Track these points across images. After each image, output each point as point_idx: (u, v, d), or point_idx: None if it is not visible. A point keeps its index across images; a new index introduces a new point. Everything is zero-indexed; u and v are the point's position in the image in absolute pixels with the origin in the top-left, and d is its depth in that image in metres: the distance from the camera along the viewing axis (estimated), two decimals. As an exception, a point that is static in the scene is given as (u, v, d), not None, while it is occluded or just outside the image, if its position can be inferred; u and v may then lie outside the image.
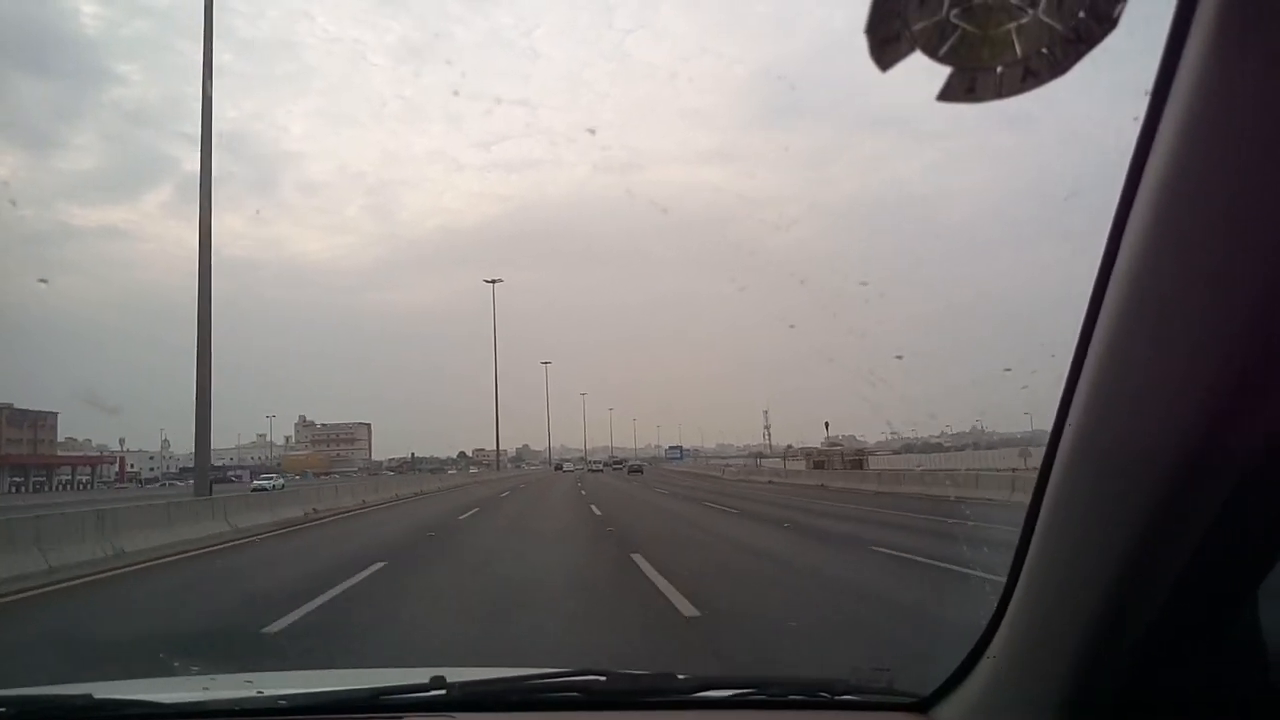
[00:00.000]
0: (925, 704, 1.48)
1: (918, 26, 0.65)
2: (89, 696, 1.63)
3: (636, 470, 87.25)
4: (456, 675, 1.63)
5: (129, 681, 2.15)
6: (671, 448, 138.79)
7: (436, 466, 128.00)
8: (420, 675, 1.62)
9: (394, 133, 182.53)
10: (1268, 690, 1.02)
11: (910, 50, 0.66)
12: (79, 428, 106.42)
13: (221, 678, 2.04)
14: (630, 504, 25.30)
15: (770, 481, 42.83)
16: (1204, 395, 0.84)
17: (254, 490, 41.59)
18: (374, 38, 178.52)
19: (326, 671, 3.59)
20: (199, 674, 2.55)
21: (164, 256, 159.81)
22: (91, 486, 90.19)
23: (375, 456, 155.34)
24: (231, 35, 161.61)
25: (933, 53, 0.66)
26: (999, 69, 0.68)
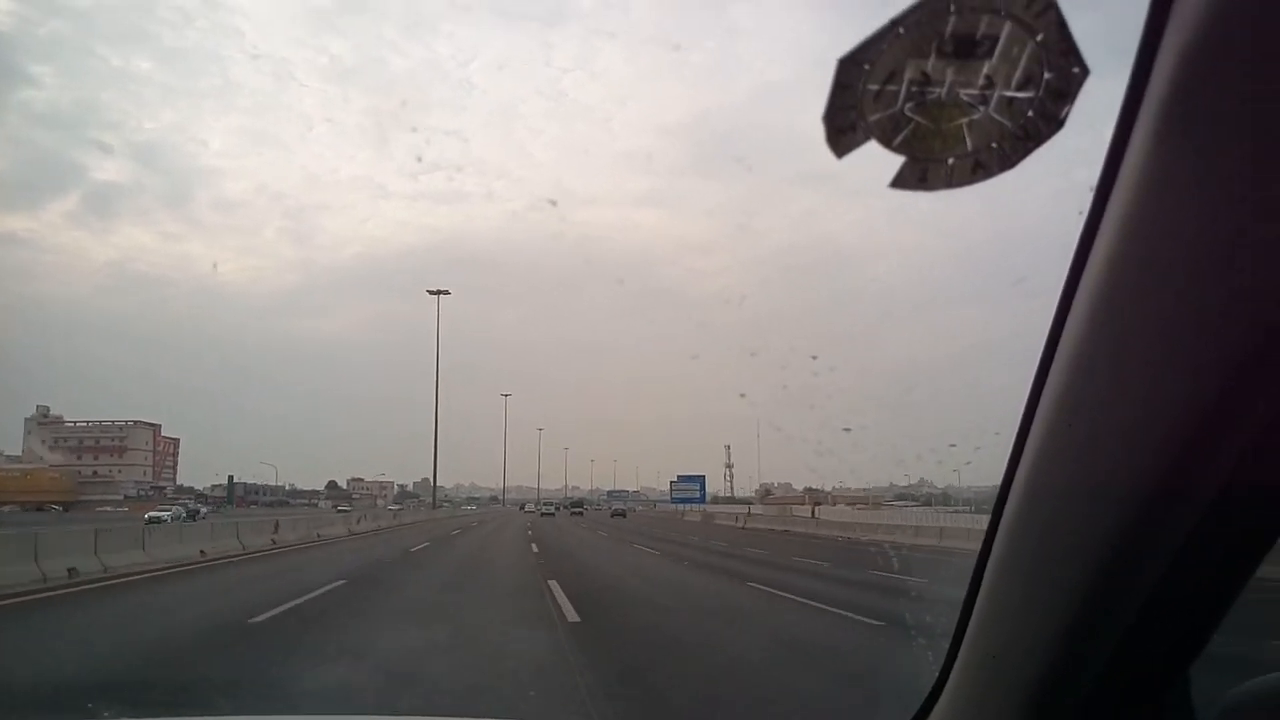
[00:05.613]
0: None
1: (873, 118, 0.67)
2: None
3: (620, 514, 68.22)
4: None
5: None
6: (684, 479, 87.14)
7: (279, 499, 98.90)
8: None
9: (319, 156, 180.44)
10: None
11: (866, 140, 0.68)
12: None
13: None
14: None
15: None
16: (1142, 469, 0.87)
17: None
18: (305, 58, 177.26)
19: (267, 718, 3.42)
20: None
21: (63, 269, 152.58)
22: None
23: (187, 481, 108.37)
24: (155, 43, 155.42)
25: (887, 143, 0.68)
26: (950, 161, 0.70)
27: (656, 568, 18.74)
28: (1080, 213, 0.83)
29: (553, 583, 13.21)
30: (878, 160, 0.72)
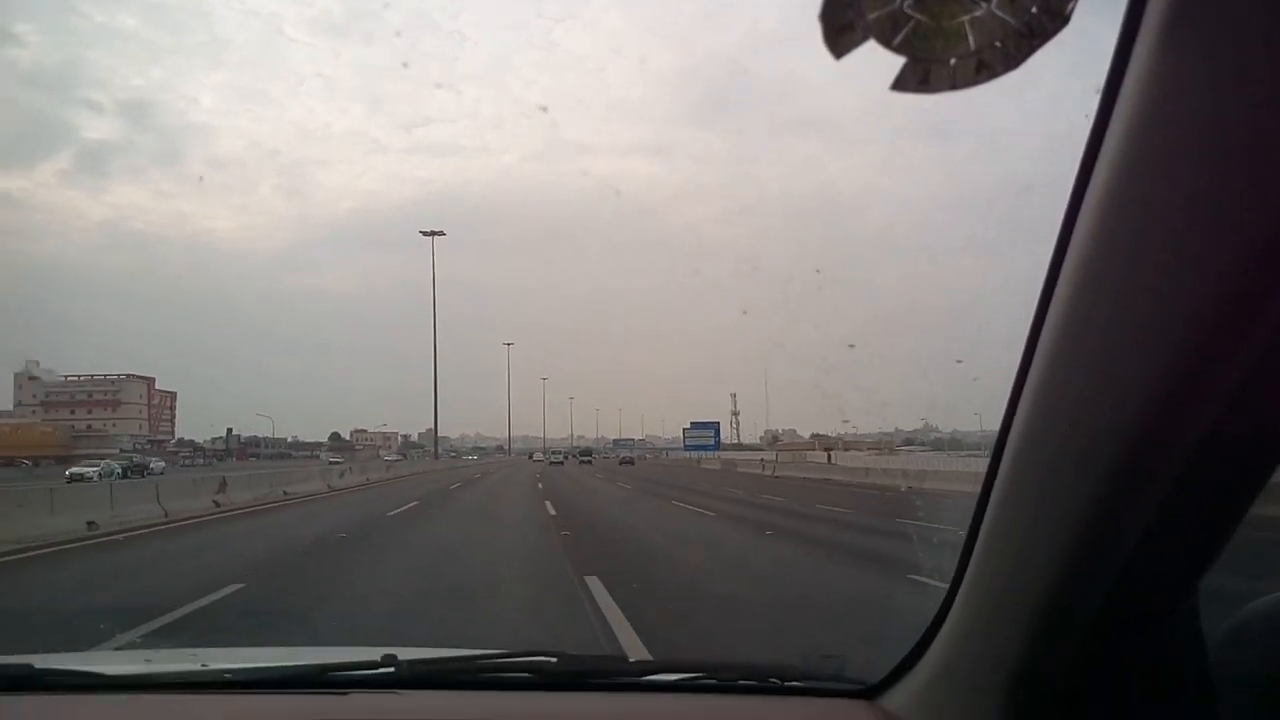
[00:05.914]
0: (874, 691, 1.50)
1: (872, 16, 0.65)
2: (29, 666, 1.61)
3: (628, 462, 65.67)
4: (408, 654, 1.63)
5: (70, 654, 2.13)
6: (698, 425, 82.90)
7: (281, 451, 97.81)
8: (371, 653, 1.63)
9: (311, 111, 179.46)
10: (1206, 678, 1.06)
11: (865, 39, 0.66)
12: None
13: (165, 651, 2.03)
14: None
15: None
16: (1151, 392, 0.85)
17: None
18: (294, 12, 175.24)
19: (275, 648, 3.47)
20: (142, 646, 2.53)
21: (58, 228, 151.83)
22: None
23: (189, 434, 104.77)
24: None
25: (886, 43, 0.66)
26: (953, 61, 0.68)
27: (736, 544, 12.74)
28: (1087, 116, 0.80)
29: (593, 581, 8.18)
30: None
